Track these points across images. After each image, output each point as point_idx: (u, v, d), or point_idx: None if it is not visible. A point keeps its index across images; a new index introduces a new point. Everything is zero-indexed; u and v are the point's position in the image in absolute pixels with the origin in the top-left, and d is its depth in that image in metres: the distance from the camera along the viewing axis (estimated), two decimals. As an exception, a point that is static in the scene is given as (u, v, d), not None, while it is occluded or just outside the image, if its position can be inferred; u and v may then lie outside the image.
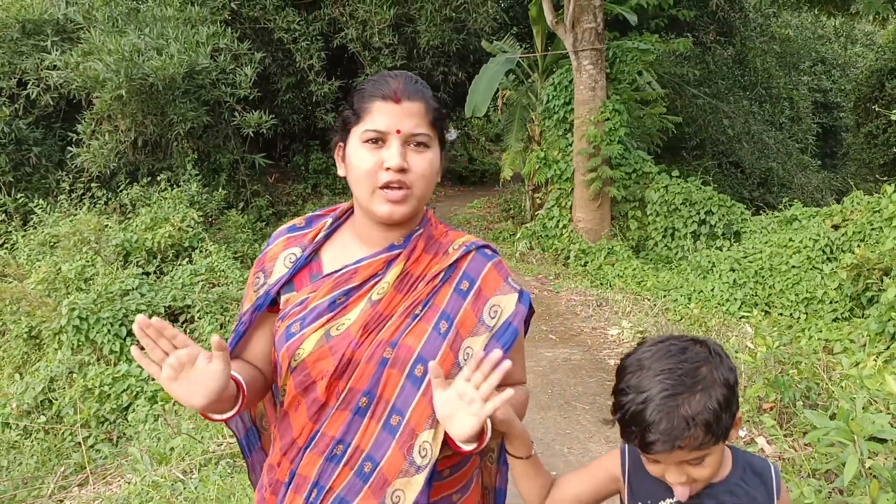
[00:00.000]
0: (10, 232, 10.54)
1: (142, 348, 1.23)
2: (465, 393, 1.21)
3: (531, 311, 1.45)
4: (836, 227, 7.83)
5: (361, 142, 1.34)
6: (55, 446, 5.63)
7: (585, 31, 9.20)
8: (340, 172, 1.43)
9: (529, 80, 11.85)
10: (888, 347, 4.99)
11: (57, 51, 9.75)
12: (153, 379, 5.70)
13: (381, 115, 1.33)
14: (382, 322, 1.34)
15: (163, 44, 9.53)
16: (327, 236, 1.46)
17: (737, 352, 4.63)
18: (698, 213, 9.70)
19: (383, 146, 1.33)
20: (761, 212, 10.57)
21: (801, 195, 14.62)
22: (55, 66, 9.52)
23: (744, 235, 9.42)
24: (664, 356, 1.25)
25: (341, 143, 1.40)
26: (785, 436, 3.73)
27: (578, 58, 9.33)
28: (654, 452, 1.22)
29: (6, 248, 10.32)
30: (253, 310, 1.41)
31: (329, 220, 1.48)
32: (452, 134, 22.31)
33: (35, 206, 10.36)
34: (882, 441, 3.06)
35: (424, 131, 1.35)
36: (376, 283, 1.37)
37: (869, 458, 2.72)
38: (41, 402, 6.32)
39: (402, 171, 1.32)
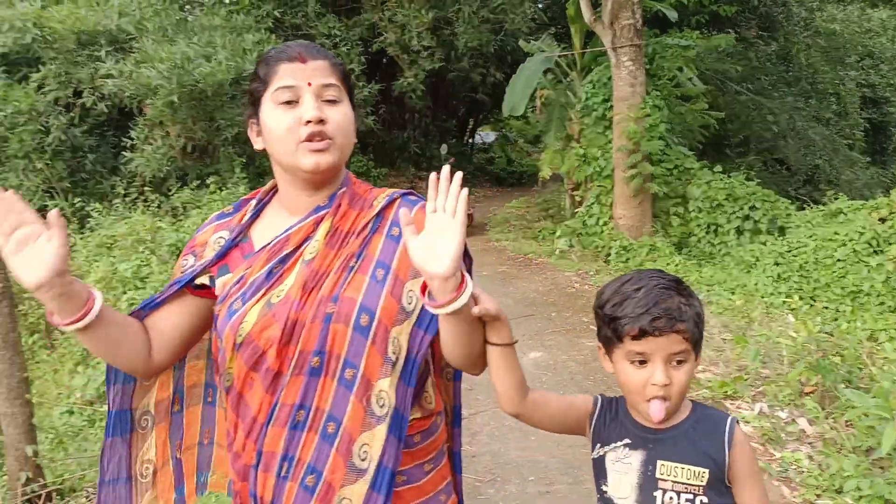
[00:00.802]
0: (69, 235, 10.93)
1: None
2: (436, 221, 1.23)
3: (469, 258, 1.40)
4: (882, 220, 7.72)
5: (276, 104, 1.34)
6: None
7: (624, 28, 9.23)
8: (258, 146, 1.43)
9: (568, 79, 11.89)
10: (934, 336, 4.95)
11: (111, 60, 10.16)
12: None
13: (290, 73, 1.34)
14: (321, 279, 1.33)
15: (211, 51, 9.87)
16: (254, 217, 1.47)
17: (778, 336, 4.65)
18: (742, 209, 9.63)
19: (297, 105, 1.34)
20: (806, 208, 10.46)
21: (848, 192, 14.33)
22: (110, 74, 9.91)
23: (788, 230, 9.33)
24: (643, 274, 1.33)
25: (253, 119, 1.42)
26: (826, 417, 3.75)
27: (617, 54, 9.36)
28: (650, 333, 1.25)
29: (65, 250, 10.75)
30: (172, 283, 1.42)
31: (253, 202, 1.49)
32: (490, 135, 22.40)
33: (92, 210, 10.78)
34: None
35: (334, 82, 1.36)
36: (308, 244, 1.37)
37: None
38: (103, 392, 6.63)
39: (321, 122, 1.33)
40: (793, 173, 15.41)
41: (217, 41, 10.07)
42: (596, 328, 1.37)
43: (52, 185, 11.78)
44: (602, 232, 9.86)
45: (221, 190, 10.43)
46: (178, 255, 8.46)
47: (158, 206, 11.01)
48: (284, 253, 1.36)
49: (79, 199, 11.66)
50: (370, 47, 12.41)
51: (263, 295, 1.33)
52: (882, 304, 6.81)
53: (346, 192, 1.42)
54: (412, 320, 1.34)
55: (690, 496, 1.30)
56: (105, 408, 5.49)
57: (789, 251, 8.29)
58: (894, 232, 7.39)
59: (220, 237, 1.45)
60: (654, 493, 1.31)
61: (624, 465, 1.35)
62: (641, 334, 1.26)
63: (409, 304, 1.34)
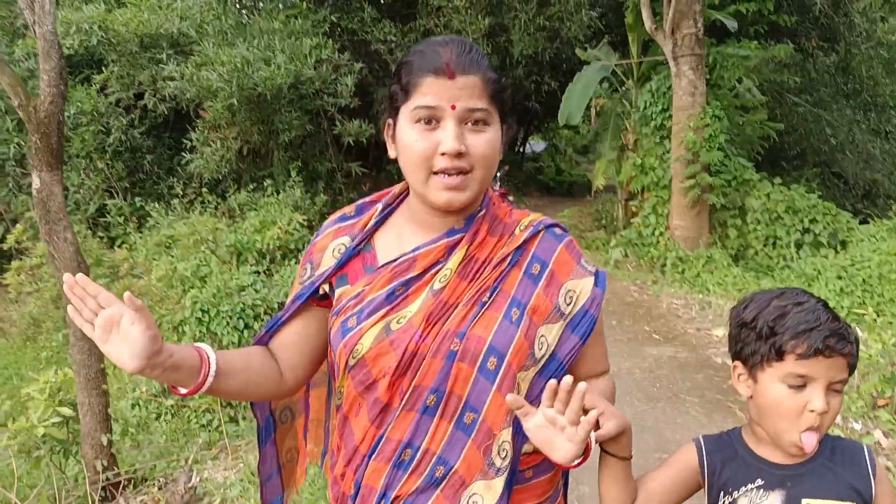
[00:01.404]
0: (129, 234, 11.24)
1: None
2: (554, 419, 1.12)
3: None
4: (952, 235, 7.53)
5: (412, 122, 1.21)
6: (182, 427, 6.01)
7: (685, 37, 9.14)
8: (391, 154, 1.30)
9: (624, 88, 11.82)
10: None
11: (172, 63, 10.39)
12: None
13: (433, 89, 1.19)
14: (448, 312, 1.23)
15: (270, 55, 10.02)
16: (379, 223, 1.35)
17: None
18: (801, 222, 9.45)
19: (437, 127, 1.20)
20: (868, 221, 10.21)
21: (906, 207, 13.99)
22: (171, 77, 10.13)
23: (850, 244, 9.13)
24: (793, 291, 1.23)
25: (390, 121, 1.29)
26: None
27: (678, 63, 9.27)
28: (822, 352, 1.15)
29: (125, 248, 11.01)
30: (294, 299, 1.35)
31: (380, 206, 1.37)
32: (540, 145, 22.38)
33: (151, 210, 11.03)
34: None
35: (483, 106, 1.20)
36: (438, 270, 1.26)
37: None
38: (166, 387, 6.76)
39: (460, 155, 1.19)
40: (850, 187, 15.06)
41: (276, 45, 10.23)
42: (733, 344, 1.25)
43: (112, 185, 12.10)
44: (658, 242, 9.75)
45: (278, 193, 10.58)
46: (237, 256, 8.56)
47: (216, 208, 11.22)
48: (410, 276, 1.26)
49: (137, 198, 11.95)
50: (425, 54, 12.50)
51: (382, 317, 1.24)
52: (952, 320, 6.63)
53: (486, 215, 1.30)
54: (538, 368, 1.25)
55: None
56: (169, 401, 5.61)
57: (852, 265, 8.12)
58: (963, 247, 7.19)
59: (342, 244, 1.34)
60: None
61: None
62: (811, 353, 1.15)
63: (540, 350, 1.25)
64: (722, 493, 1.25)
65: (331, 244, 1.36)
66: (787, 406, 1.17)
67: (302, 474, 1.56)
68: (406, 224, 1.33)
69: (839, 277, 8.04)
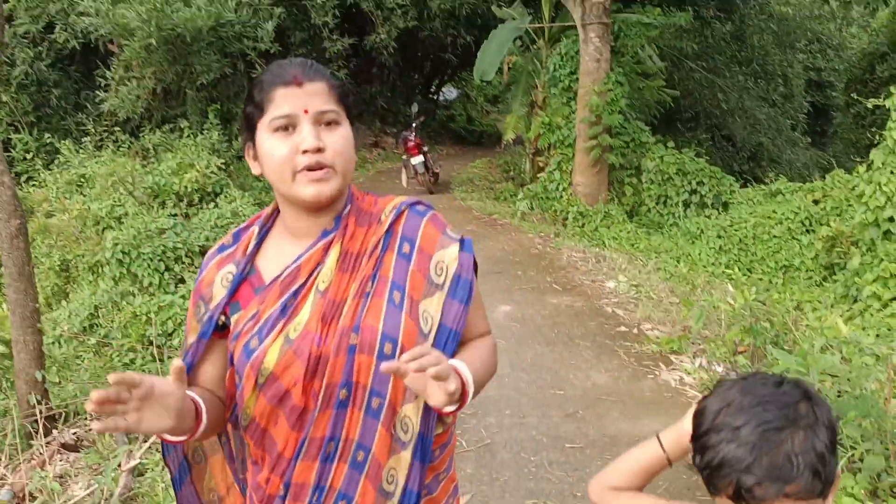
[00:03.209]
0: (37, 170, 11.00)
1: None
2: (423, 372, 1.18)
3: (474, 262, 1.41)
4: (816, 202, 8.51)
5: (271, 132, 1.29)
6: (106, 365, 6.27)
7: (594, 6, 9.67)
8: (255, 171, 1.38)
9: (535, 47, 12.30)
10: (849, 308, 5.70)
11: (86, -3, 10.13)
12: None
13: (285, 99, 1.28)
14: (338, 309, 1.30)
15: (189, -5, 9.94)
16: (258, 245, 1.41)
17: (718, 302, 5.32)
18: (690, 183, 10.35)
19: (294, 132, 1.28)
20: (749, 185, 11.24)
21: (788, 171, 15.26)
22: (87, 12, 9.90)
23: (731, 206, 10.08)
24: (757, 387, 1.05)
25: (250, 143, 1.36)
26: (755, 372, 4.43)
27: (586, 31, 9.82)
28: (755, 501, 0.99)
29: (33, 185, 10.80)
30: (198, 338, 1.37)
31: (256, 229, 1.43)
32: (453, 93, 22.71)
33: (62, 147, 10.83)
34: (834, 377, 3.76)
35: (332, 108, 1.31)
36: (319, 272, 1.33)
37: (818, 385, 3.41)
38: (87, 326, 6.95)
39: (319, 150, 1.28)
40: (738, 150, 16.24)
41: (195, -15, 10.14)
42: (695, 446, 1.08)
43: (17, 119, 11.73)
44: (561, 197, 10.44)
45: (195, 136, 10.60)
46: (154, 198, 8.68)
47: (129, 147, 11.12)
48: (297, 285, 1.32)
49: (46, 134, 11.66)
50: (345, 1, 12.57)
51: (281, 331, 1.30)
52: (810, 277, 7.61)
53: (352, 210, 1.38)
54: (430, 341, 1.32)
55: None
56: (91, 340, 5.86)
57: (731, 225, 9.03)
58: (825, 213, 8.17)
59: (228, 272, 1.39)
60: None
61: None
62: (737, 498, 1.01)
63: (426, 325, 1.33)
64: None
65: (217, 276, 1.40)
66: None
67: None
68: (282, 238, 1.40)
69: (719, 236, 8.96)
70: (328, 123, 1.30)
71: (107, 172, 9.02)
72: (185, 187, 9.13)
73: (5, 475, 4.12)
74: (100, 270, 7.67)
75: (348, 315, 1.29)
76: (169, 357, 6.07)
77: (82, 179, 10.26)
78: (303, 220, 1.36)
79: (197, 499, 1.51)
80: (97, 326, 6.94)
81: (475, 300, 1.39)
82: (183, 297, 6.69)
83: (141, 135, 11.13)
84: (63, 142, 10.91)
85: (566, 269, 7.67)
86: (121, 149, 10.97)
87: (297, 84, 1.29)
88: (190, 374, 1.36)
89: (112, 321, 6.75)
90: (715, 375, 4.69)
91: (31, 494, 3.80)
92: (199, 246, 7.60)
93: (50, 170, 11.23)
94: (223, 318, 1.36)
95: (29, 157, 11.22)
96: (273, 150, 1.28)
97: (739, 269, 8.36)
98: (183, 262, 7.41)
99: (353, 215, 1.37)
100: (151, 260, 7.21)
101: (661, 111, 12.36)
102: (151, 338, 6.37)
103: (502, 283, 6.96)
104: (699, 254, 8.73)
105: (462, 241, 1.40)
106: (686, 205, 10.35)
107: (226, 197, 9.12)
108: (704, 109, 15.51)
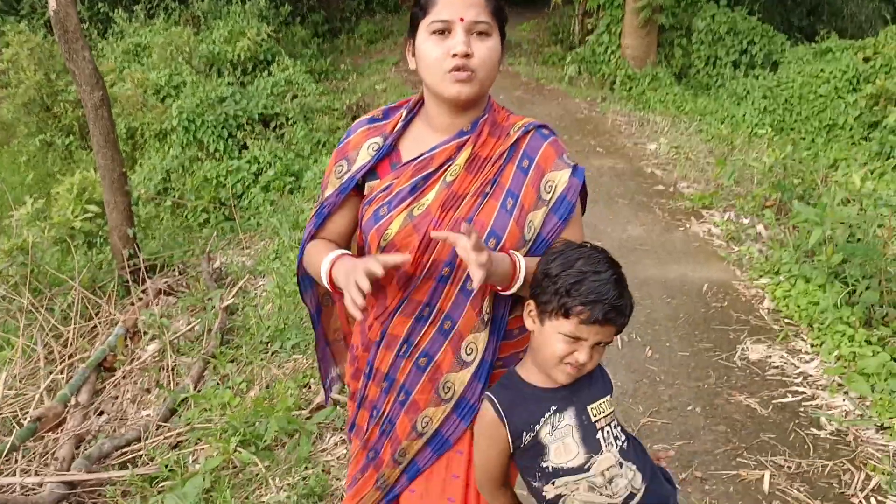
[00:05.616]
0: (94, 40, 11.34)
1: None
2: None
3: (584, 189, 1.57)
4: (866, 60, 8.38)
5: (429, 34, 1.44)
6: (182, 223, 6.89)
7: None
8: (411, 66, 1.55)
9: None
10: (882, 165, 5.87)
11: None
12: (262, 171, 6.81)
13: (445, 6, 1.42)
14: (458, 201, 1.47)
15: None
16: (404, 127, 1.59)
17: (754, 159, 5.57)
18: (741, 43, 10.19)
19: (449, 36, 1.43)
20: (803, 43, 10.95)
21: (850, 25, 14.63)
22: None
23: (781, 66, 9.94)
24: (595, 256, 1.39)
25: (410, 40, 1.52)
26: (779, 224, 4.76)
27: None
28: (599, 323, 1.32)
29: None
30: (338, 192, 1.57)
31: (404, 112, 1.60)
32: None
33: (116, 17, 11.12)
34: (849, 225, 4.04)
35: (485, 20, 1.44)
36: (449, 166, 1.50)
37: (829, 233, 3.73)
38: (161, 190, 7.55)
39: (467, 56, 1.42)
40: (797, 4, 15.53)
41: None
42: (535, 286, 1.39)
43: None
44: (609, 61, 10.43)
45: (243, 2, 10.73)
46: (209, 67, 9.02)
47: (179, 15, 11.33)
48: (428, 171, 1.50)
49: (100, 2, 11.91)
50: None
51: (406, 207, 1.48)
52: (851, 137, 7.67)
53: (488, 119, 1.53)
54: (527, 247, 1.49)
55: (614, 422, 1.44)
56: (167, 202, 6.44)
57: (777, 86, 8.98)
58: (875, 71, 8.07)
59: (375, 143, 1.58)
60: (597, 437, 1.40)
61: (561, 429, 1.40)
62: (591, 321, 1.32)
63: (529, 233, 1.49)
64: (525, 433, 1.40)
65: (365, 143, 1.59)
66: (559, 354, 1.36)
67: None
68: (424, 128, 1.57)
69: (764, 97, 8.94)
70: (480, 33, 1.44)
71: (164, 42, 9.32)
72: (239, 55, 9.42)
73: (114, 315, 4.80)
74: (166, 138, 8.17)
75: (464, 208, 1.46)
76: (240, 217, 6.62)
77: (138, 48, 10.60)
78: (444, 117, 1.53)
79: (324, 339, 1.84)
80: (170, 189, 7.54)
81: (574, 221, 1.55)
82: (248, 161, 7.17)
83: (190, 1, 11.30)
84: (115, 10, 11.17)
85: (610, 132, 7.88)
86: (171, 17, 11.20)
87: None
88: (323, 223, 1.61)
89: (184, 184, 7.32)
90: (741, 227, 5.03)
91: (141, 331, 4.47)
92: (258, 114, 8.00)
93: (105, 38, 11.58)
94: (361, 180, 1.57)
95: (84, 26, 11.52)
96: (428, 51, 1.45)
97: (783, 130, 8.42)
98: (245, 129, 7.83)
99: (489, 125, 1.53)
100: (215, 127, 7.66)
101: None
102: (223, 199, 6.95)
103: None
104: (744, 115, 8.78)
105: (575, 168, 1.55)
106: (735, 65, 10.24)
107: (278, 65, 9.39)
108: (762, -40, 14.73)
